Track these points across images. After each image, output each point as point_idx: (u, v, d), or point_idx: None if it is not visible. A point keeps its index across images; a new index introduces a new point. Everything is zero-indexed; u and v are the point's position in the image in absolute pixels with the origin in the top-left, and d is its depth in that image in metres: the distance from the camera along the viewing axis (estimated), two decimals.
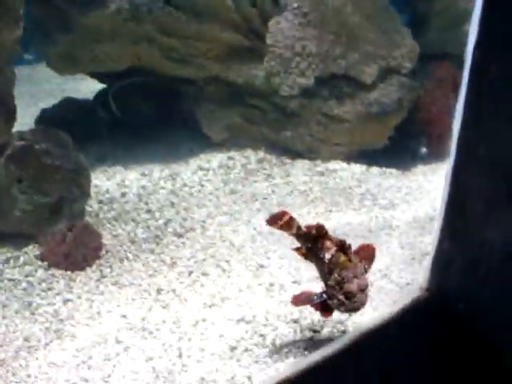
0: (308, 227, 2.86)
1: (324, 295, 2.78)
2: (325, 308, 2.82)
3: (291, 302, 2.94)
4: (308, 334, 3.07)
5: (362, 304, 2.66)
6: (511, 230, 1.82)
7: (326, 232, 2.81)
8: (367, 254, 2.92)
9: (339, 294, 2.66)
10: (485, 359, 1.95)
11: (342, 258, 2.70)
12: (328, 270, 2.73)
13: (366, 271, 2.80)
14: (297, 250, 3.00)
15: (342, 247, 2.73)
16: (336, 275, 2.67)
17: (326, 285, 2.77)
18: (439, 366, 2.09)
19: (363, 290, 2.67)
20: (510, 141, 1.75)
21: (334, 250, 2.75)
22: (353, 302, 2.65)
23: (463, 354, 2.06)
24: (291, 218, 2.88)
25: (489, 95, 1.75)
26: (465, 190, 2.01)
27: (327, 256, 2.74)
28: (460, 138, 2.00)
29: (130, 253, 3.90)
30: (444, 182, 2.15)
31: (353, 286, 2.64)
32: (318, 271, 2.90)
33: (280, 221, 2.88)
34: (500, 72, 1.68)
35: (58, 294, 3.49)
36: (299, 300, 2.91)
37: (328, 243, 2.78)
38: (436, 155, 5.34)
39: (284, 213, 2.91)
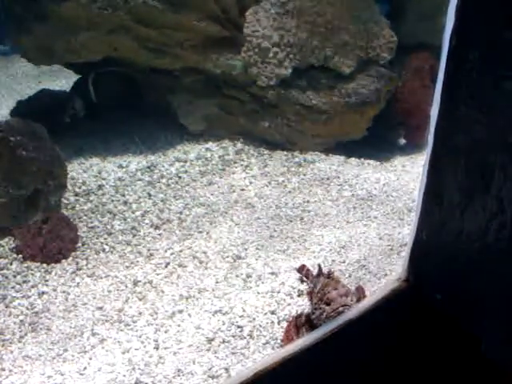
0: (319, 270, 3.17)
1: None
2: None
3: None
4: (286, 325, 3.03)
5: (342, 305, 2.67)
6: (487, 220, 1.82)
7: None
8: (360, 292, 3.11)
9: (321, 304, 2.75)
10: (462, 348, 1.96)
11: (326, 280, 2.88)
12: (316, 297, 2.87)
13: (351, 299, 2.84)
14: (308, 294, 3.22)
15: (328, 275, 2.94)
16: (319, 294, 2.80)
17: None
18: (417, 355, 2.10)
19: (343, 295, 2.72)
20: (486, 130, 1.75)
21: (322, 279, 2.95)
22: (332, 306, 2.67)
23: (441, 343, 2.06)
24: (308, 270, 3.42)
25: (466, 83, 1.74)
26: (442, 180, 2.01)
27: (318, 287, 2.90)
28: (437, 127, 1.99)
29: (107, 245, 3.85)
30: (422, 172, 2.15)
31: (332, 293, 2.72)
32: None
33: (303, 271, 3.45)
34: (477, 60, 1.67)
35: (33, 287, 3.43)
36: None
37: (321, 278, 2.98)
38: (415, 146, 5.39)
39: (303, 266, 3.49)
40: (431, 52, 5.26)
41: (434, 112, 2.00)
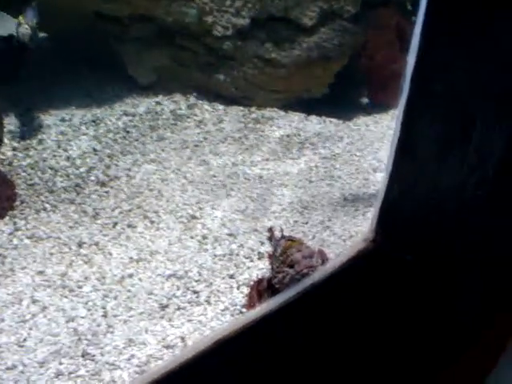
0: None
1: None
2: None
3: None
4: (246, 290, 2.94)
5: (308, 267, 2.51)
6: (466, 174, 1.70)
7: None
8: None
9: (284, 267, 2.60)
10: (434, 310, 1.85)
11: (288, 242, 2.74)
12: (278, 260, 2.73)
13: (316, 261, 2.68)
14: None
15: (290, 238, 2.83)
16: (281, 257, 2.67)
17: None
18: (386, 318, 1.97)
19: (307, 257, 2.58)
20: (467, 77, 1.60)
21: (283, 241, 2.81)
22: (296, 268, 2.53)
23: (412, 306, 1.95)
24: (272, 231, 3.09)
25: (447, 26, 1.58)
26: (417, 132, 1.88)
27: (279, 250, 2.75)
28: (414, 74, 1.85)
29: (48, 203, 3.65)
30: (395, 123, 2.00)
31: (296, 255, 2.58)
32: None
33: (270, 232, 3.13)
34: (461, 1, 1.51)
35: None
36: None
37: (282, 241, 2.83)
38: (379, 105, 5.27)
39: (271, 227, 3.14)
40: (398, 8, 5.12)
41: (411, 58, 1.86)
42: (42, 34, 5.22)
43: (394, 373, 1.74)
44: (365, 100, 5.43)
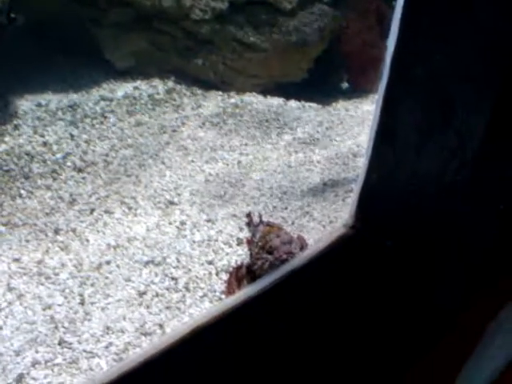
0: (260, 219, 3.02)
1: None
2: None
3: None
4: (225, 276, 2.90)
5: (287, 253, 2.49)
6: (446, 159, 1.68)
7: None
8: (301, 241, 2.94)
9: (263, 253, 2.58)
10: (414, 295, 1.84)
11: (267, 228, 2.73)
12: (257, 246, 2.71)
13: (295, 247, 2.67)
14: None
15: (268, 223, 2.83)
16: (260, 243, 2.64)
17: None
18: (366, 304, 1.96)
19: (286, 242, 2.56)
20: (448, 62, 1.58)
21: (262, 227, 2.80)
22: (275, 254, 2.51)
23: (392, 291, 1.94)
24: (251, 217, 3.12)
25: (426, 9, 1.56)
26: (397, 117, 1.86)
27: (258, 235, 2.73)
28: (394, 59, 1.82)
29: (24, 189, 3.58)
30: (374, 108, 1.97)
31: (275, 241, 2.56)
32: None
33: (248, 217, 3.15)
34: None
35: None
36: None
37: (261, 227, 2.82)
38: (358, 90, 5.26)
39: (249, 213, 3.18)
40: None
41: (391, 43, 1.83)
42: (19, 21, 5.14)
43: (373, 358, 1.73)
44: (345, 85, 5.40)
